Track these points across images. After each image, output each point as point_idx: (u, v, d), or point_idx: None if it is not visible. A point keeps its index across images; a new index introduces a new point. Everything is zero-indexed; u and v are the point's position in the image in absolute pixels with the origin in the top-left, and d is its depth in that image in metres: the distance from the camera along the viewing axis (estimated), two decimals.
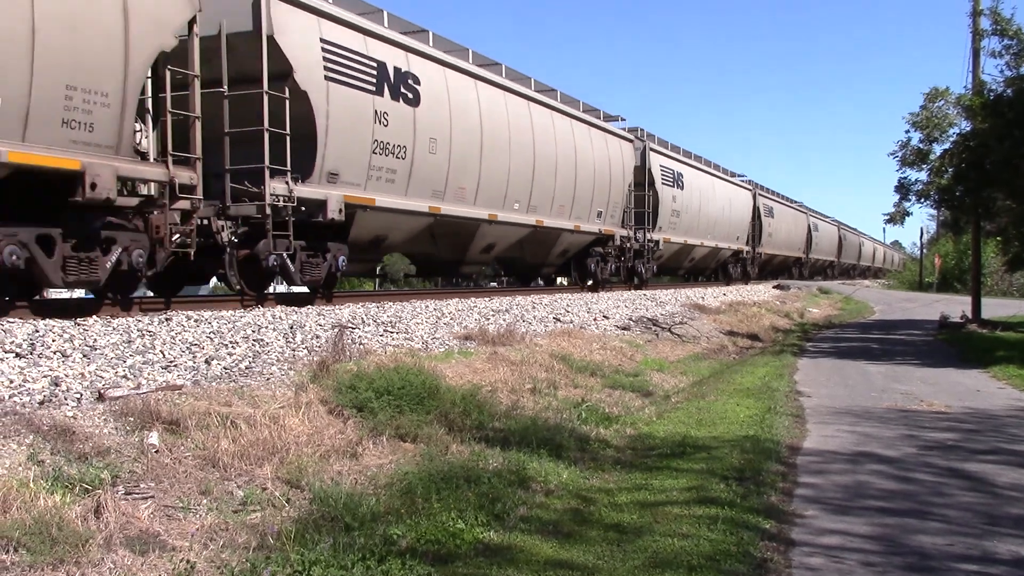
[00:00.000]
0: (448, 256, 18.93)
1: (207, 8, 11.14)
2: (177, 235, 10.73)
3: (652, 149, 27.39)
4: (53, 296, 13.89)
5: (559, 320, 15.33)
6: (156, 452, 5.70)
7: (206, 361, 8.01)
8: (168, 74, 10.58)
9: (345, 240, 14.24)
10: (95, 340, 8.05)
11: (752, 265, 40.01)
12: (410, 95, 15.18)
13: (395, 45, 15.04)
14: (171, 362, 7.77)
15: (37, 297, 10.73)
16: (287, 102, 12.32)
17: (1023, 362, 13.73)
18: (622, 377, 11.71)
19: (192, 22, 10.82)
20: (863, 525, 5.37)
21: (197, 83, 10.99)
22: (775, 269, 46.70)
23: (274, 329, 10.01)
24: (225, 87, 11.84)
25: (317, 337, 9.84)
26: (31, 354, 7.24)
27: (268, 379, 7.73)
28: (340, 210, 13.36)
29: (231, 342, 8.97)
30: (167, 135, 10.75)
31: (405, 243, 17.21)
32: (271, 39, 12.15)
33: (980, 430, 8.61)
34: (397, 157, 14.82)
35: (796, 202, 50.79)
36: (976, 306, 23.04)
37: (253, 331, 9.70)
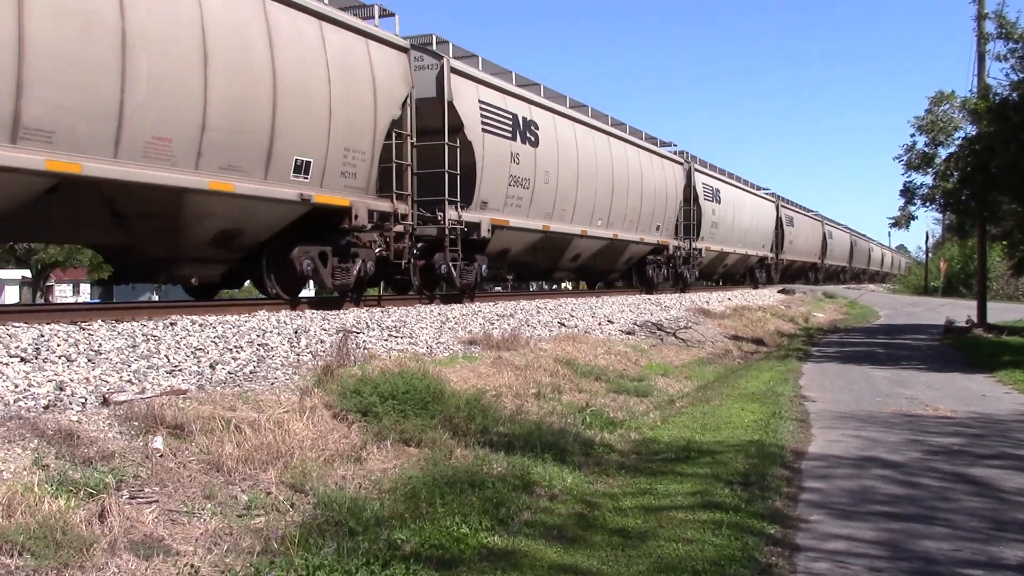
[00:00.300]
0: (544, 265, 23.25)
1: None
2: (391, 250, 14.84)
3: (696, 169, 31.79)
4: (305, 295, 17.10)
5: (564, 325, 15.33)
6: (160, 456, 5.71)
7: (211, 366, 8.02)
8: (393, 135, 14.85)
9: (484, 252, 18.04)
10: (100, 344, 8.07)
11: (775, 270, 44.23)
12: (532, 138, 19.35)
13: (522, 100, 19.32)
14: (176, 367, 7.78)
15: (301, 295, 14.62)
16: (458, 150, 16.31)
17: None
18: (626, 382, 11.69)
19: (408, 97, 15.15)
20: (868, 530, 5.35)
21: (410, 141, 15.33)
22: (794, 274, 50.23)
23: (279, 334, 10.02)
24: (413, 138, 15.54)
25: (321, 342, 9.85)
26: (36, 358, 7.25)
27: (272, 384, 7.73)
28: (489, 229, 17.43)
29: (236, 347, 8.98)
30: (392, 178, 14.90)
31: (520, 254, 20.81)
32: (450, 103, 16.23)
33: (986, 435, 8.59)
34: (523, 187, 18.98)
35: (812, 211, 54.70)
36: (982, 310, 23.00)
37: (258, 336, 9.71)
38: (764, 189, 43.59)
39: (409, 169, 15.27)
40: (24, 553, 4.22)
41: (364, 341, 10.33)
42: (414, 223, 15.53)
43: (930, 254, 62.35)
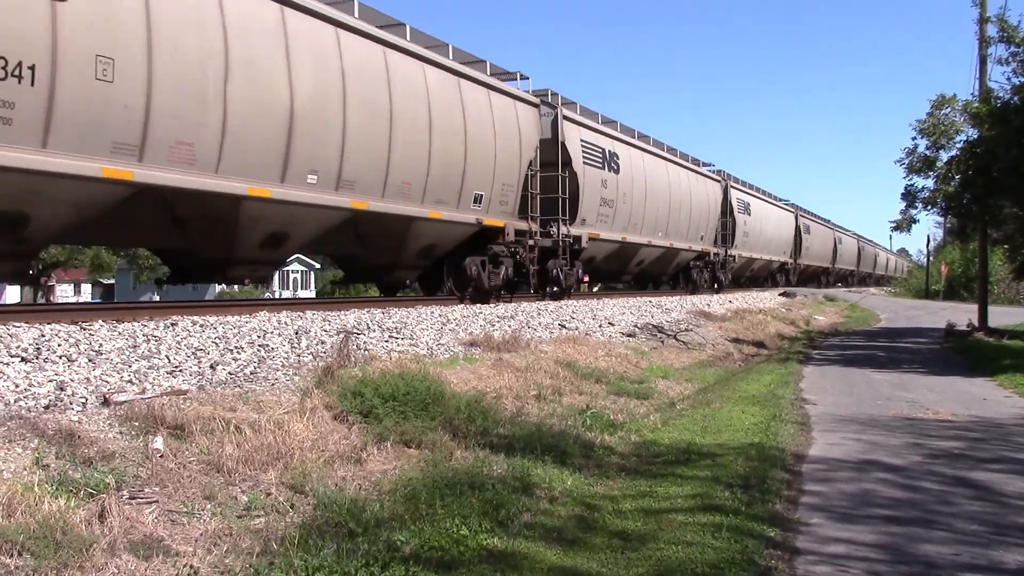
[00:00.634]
0: (616, 269, 27.66)
1: None
2: (524, 258, 19.37)
3: (731, 186, 36.58)
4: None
5: (564, 327, 15.33)
6: (161, 457, 5.71)
7: (211, 366, 8.02)
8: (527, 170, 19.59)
9: (580, 259, 22.41)
10: (100, 345, 8.07)
11: (793, 274, 48.79)
12: (615, 167, 24.00)
13: (607, 136, 24.16)
14: (176, 367, 7.78)
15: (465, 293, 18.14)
16: (567, 179, 20.83)
17: None
18: (627, 384, 11.69)
19: (538, 140, 20.01)
20: (869, 534, 5.35)
21: (538, 175, 20.13)
22: (808, 277, 54.22)
23: (279, 335, 10.02)
24: (537, 169, 20.13)
25: (322, 343, 9.85)
26: (37, 358, 7.25)
27: (273, 384, 7.74)
28: (587, 241, 21.96)
29: (236, 347, 8.98)
30: (525, 202, 19.57)
31: (601, 261, 25.16)
32: (562, 143, 20.96)
33: (986, 439, 8.58)
34: (609, 207, 23.66)
35: (825, 219, 59.12)
36: (983, 314, 22.97)
37: (258, 336, 9.71)
38: (784, 200, 48.43)
39: (537, 196, 20.06)
40: (24, 553, 4.22)
41: (365, 342, 10.33)
42: (537, 237, 19.99)
43: (931, 258, 62.34)
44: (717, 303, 26.97)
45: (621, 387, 11.40)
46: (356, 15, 14.30)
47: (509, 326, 13.81)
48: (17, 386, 6.43)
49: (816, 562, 4.84)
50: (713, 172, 34.77)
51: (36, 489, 4.79)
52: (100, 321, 9.71)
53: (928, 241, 63.55)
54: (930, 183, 23.22)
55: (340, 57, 13.45)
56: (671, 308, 22.47)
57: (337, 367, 8.26)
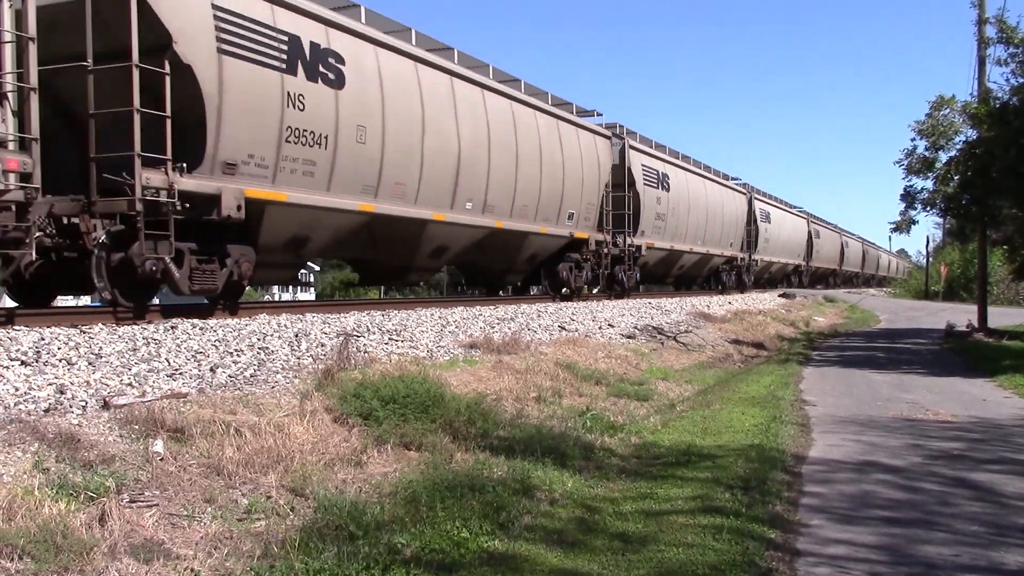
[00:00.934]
0: (662, 273, 31.86)
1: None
2: (599, 264, 23.64)
3: (755, 197, 40.38)
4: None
5: (564, 328, 15.33)
6: (161, 460, 5.71)
7: (211, 369, 8.02)
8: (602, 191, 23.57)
9: (637, 264, 26.28)
10: (100, 348, 8.07)
11: (806, 275, 52.83)
12: (666, 185, 28.19)
13: (661, 159, 28.37)
14: (176, 370, 7.78)
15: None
16: (632, 198, 25.24)
17: None
18: (627, 386, 11.69)
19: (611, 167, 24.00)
20: (869, 535, 5.35)
21: (610, 195, 24.07)
22: (818, 279, 58.32)
23: (279, 337, 10.02)
24: (610, 189, 24.02)
25: (322, 345, 9.85)
26: (37, 362, 7.25)
27: (273, 387, 7.73)
28: (646, 250, 26.22)
29: (236, 350, 8.97)
30: (602, 218, 23.58)
31: (652, 266, 28.94)
32: (628, 168, 25.07)
33: (986, 439, 8.58)
34: (662, 220, 27.98)
35: (832, 223, 63.18)
36: (982, 315, 22.98)
37: (258, 339, 9.71)
38: (798, 208, 51.79)
39: (609, 212, 23.97)
40: (24, 556, 4.22)
41: (365, 345, 10.33)
42: (610, 246, 23.79)
43: (931, 258, 62.40)
44: (717, 304, 26.98)
45: (621, 389, 11.40)
46: (491, 76, 18.61)
47: (509, 328, 13.81)
48: (17, 389, 6.43)
49: (817, 563, 4.84)
50: (740, 186, 39.09)
51: (36, 493, 4.79)
52: (100, 324, 9.70)
53: (927, 242, 63.89)
54: (929, 184, 23.24)
55: (485, 111, 17.74)
56: (671, 310, 22.48)
57: (337, 369, 8.26)
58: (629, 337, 16.32)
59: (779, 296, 38.49)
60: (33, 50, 9.66)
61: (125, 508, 4.92)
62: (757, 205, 40.32)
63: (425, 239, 16.39)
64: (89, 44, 10.29)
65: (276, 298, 46.97)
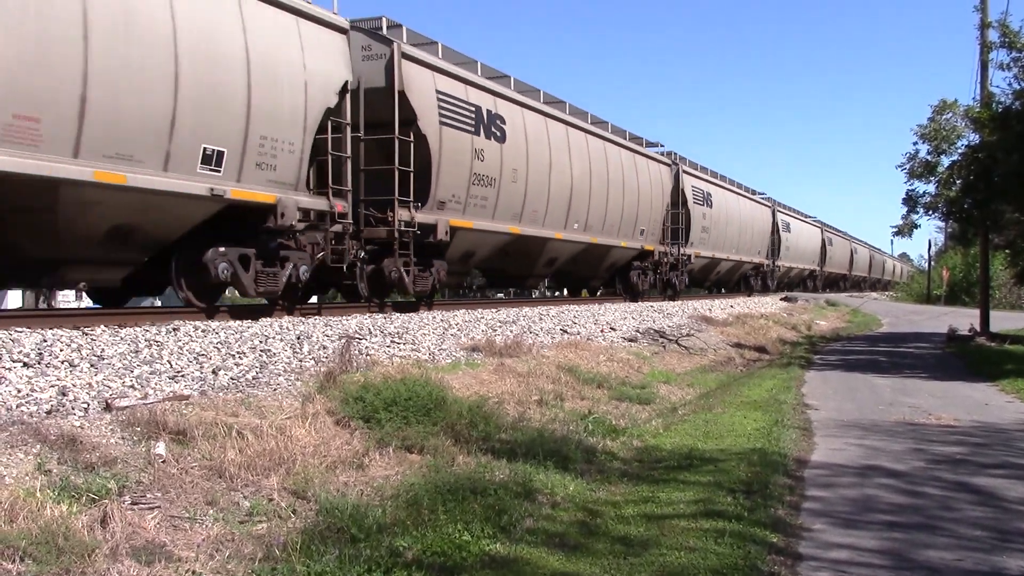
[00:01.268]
0: (701, 277, 35.73)
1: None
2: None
3: (778, 210, 45.14)
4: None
5: (566, 332, 15.32)
6: (163, 462, 5.71)
7: (213, 371, 8.02)
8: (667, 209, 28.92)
9: (687, 270, 30.49)
10: (102, 350, 8.07)
11: (820, 279, 57.54)
12: (710, 204, 33.21)
13: (706, 181, 33.35)
14: (178, 372, 7.78)
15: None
16: (686, 215, 29.86)
17: None
18: (629, 389, 11.68)
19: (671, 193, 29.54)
20: (871, 539, 5.34)
21: (669, 212, 28.45)
22: (831, 282, 63.04)
23: (281, 340, 10.02)
24: (669, 208, 28.79)
25: (324, 348, 9.85)
26: (39, 363, 7.26)
27: (275, 390, 7.73)
28: (694, 258, 30.75)
29: (238, 352, 8.98)
30: (663, 232, 28.02)
31: (697, 271, 33.36)
32: (682, 190, 29.75)
33: (989, 444, 8.57)
34: (706, 232, 32.75)
35: (842, 232, 68.21)
36: (984, 319, 22.96)
37: (260, 342, 9.71)
38: (812, 217, 56.92)
39: (669, 227, 28.70)
40: (26, 559, 4.22)
41: (367, 347, 10.33)
42: (669, 256, 27.81)
43: (933, 262, 62.39)
44: (719, 308, 26.96)
45: (623, 392, 11.39)
46: (589, 121, 23.45)
47: (511, 331, 13.81)
48: (19, 391, 6.43)
49: (819, 568, 4.83)
50: (765, 199, 44.11)
51: (38, 495, 4.79)
52: (102, 326, 9.71)
53: (929, 246, 64.14)
54: (931, 188, 23.24)
55: (588, 151, 22.43)
56: (673, 313, 22.46)
57: (339, 372, 8.25)
58: (631, 340, 16.31)
59: (781, 300, 38.50)
60: (348, 133, 14.09)
61: (127, 510, 4.91)
62: (779, 216, 45.32)
63: (544, 253, 21.39)
64: (362, 119, 14.50)
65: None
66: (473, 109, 16.97)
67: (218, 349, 8.96)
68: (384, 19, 15.55)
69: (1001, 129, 18.22)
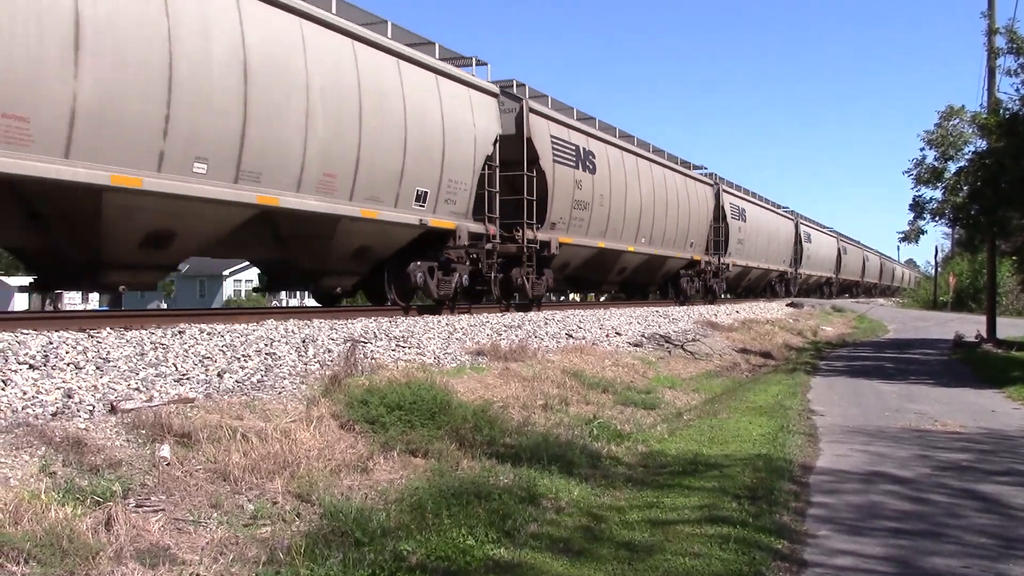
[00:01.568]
0: (735, 283, 39.97)
1: None
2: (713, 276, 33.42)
3: (800, 222, 49.11)
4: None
5: (571, 336, 15.32)
6: (167, 465, 5.72)
7: (218, 374, 8.03)
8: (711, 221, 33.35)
9: (724, 278, 34.74)
10: (108, 352, 8.09)
11: (835, 286, 61.43)
12: (745, 218, 36.97)
13: (741, 198, 37.50)
14: (183, 375, 7.80)
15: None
16: (724, 228, 34.13)
17: None
18: (634, 394, 11.67)
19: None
20: (876, 546, 5.32)
21: (712, 226, 32.88)
22: (845, 288, 67.14)
23: (286, 343, 10.03)
24: (711, 222, 32.49)
25: (329, 351, 9.86)
26: (45, 366, 7.27)
27: (280, 393, 7.74)
28: (732, 267, 34.94)
29: (243, 355, 8.99)
30: (709, 243, 32.40)
31: (733, 278, 37.70)
32: (722, 207, 33.79)
33: (995, 451, 8.53)
34: (741, 244, 36.86)
35: (855, 240, 72.68)
36: (991, 325, 22.88)
37: (265, 345, 9.72)
38: (828, 228, 61.83)
39: (712, 239, 32.70)
40: (30, 560, 4.23)
41: (372, 351, 10.34)
42: (712, 265, 31.80)
43: (939, 268, 62.23)
44: (724, 313, 26.93)
45: (628, 397, 11.38)
46: (651, 151, 27.55)
47: (516, 335, 13.80)
48: (25, 393, 6.44)
49: (823, 574, 4.82)
50: (788, 212, 47.77)
51: (43, 496, 4.80)
52: (108, 328, 9.73)
53: (936, 252, 63.92)
54: (938, 194, 23.16)
55: (651, 177, 26.60)
56: (678, 318, 22.43)
57: (344, 376, 8.26)
58: (636, 345, 16.30)
59: (787, 305, 38.44)
60: (497, 173, 17.91)
61: (131, 513, 4.92)
62: (801, 228, 49.24)
63: (618, 263, 25.37)
64: (496, 158, 17.89)
65: (283, 303, 47.07)
66: (574, 148, 21.24)
67: (223, 352, 8.98)
68: (514, 81, 19.81)
69: (1008, 135, 18.18)
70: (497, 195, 17.95)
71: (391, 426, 7.26)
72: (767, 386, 13.66)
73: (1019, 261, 23.83)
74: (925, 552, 5.20)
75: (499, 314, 17.50)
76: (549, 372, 11.24)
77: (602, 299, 30.44)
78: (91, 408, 6.37)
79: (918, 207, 23.50)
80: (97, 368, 7.46)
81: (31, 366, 7.19)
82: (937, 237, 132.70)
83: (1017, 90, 18.98)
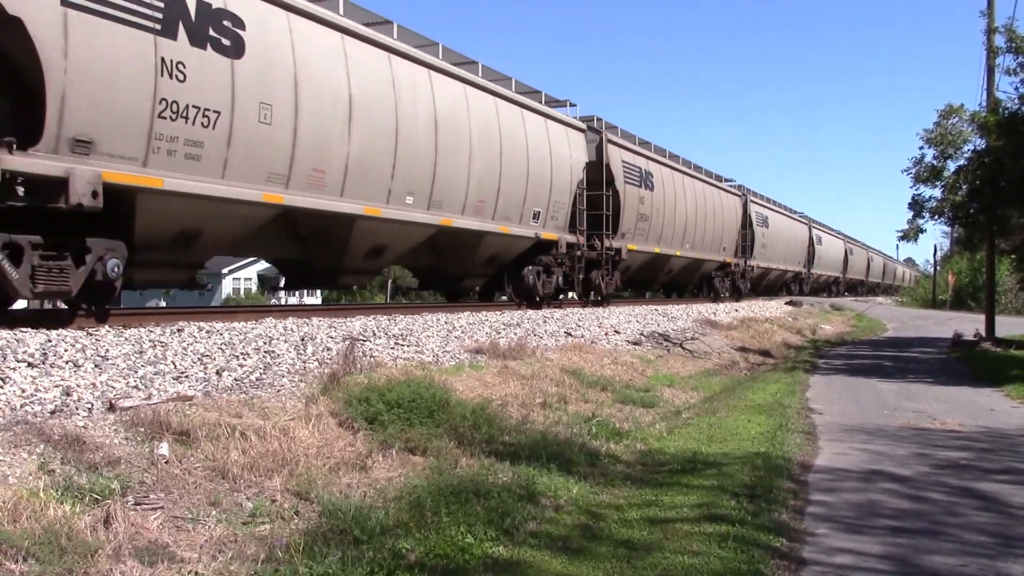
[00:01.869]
0: (758, 282, 42.07)
1: None
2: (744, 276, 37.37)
3: (813, 227, 53.03)
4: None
5: (570, 335, 15.31)
6: (166, 463, 5.71)
7: (217, 372, 8.03)
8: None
9: (748, 279, 38.43)
10: (107, 350, 8.08)
11: (843, 284, 65.24)
12: (767, 225, 41.40)
13: (763, 207, 41.49)
14: (182, 373, 7.79)
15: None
16: (752, 235, 37.92)
17: None
18: (633, 392, 11.67)
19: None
20: (875, 544, 5.32)
21: (739, 232, 36.82)
22: (852, 286, 70.75)
23: (285, 341, 10.03)
24: (740, 229, 36.99)
25: (328, 349, 9.85)
26: (43, 364, 7.27)
27: (279, 391, 7.74)
28: (756, 268, 39.05)
29: (242, 353, 8.99)
30: (737, 248, 36.59)
31: (756, 277, 40.71)
32: (748, 216, 38.00)
33: (994, 449, 8.54)
34: (764, 248, 40.49)
35: (861, 241, 76.58)
36: (990, 324, 22.89)
37: (264, 343, 9.72)
38: (836, 230, 64.99)
39: (740, 243, 36.80)
40: (29, 558, 4.22)
41: (371, 349, 10.34)
42: (739, 267, 36.35)
43: (938, 267, 62.25)
44: (723, 312, 26.93)
45: (627, 395, 11.38)
46: (693, 169, 31.55)
47: (515, 333, 13.79)
48: (23, 391, 6.44)
49: (822, 573, 4.82)
50: (802, 217, 51.80)
51: (41, 494, 4.79)
52: (107, 327, 9.72)
53: (935, 251, 63.94)
54: (937, 193, 23.19)
55: (694, 190, 30.63)
56: (677, 316, 22.44)
57: (343, 374, 8.26)
58: (635, 344, 16.30)
59: (786, 304, 38.43)
60: (585, 193, 22.13)
61: (130, 511, 4.92)
62: (813, 232, 52.93)
63: (667, 265, 29.28)
64: (584, 181, 22.13)
65: (283, 302, 47.09)
66: (638, 170, 25.24)
67: (222, 350, 8.97)
68: (595, 117, 23.72)
69: (1007, 134, 18.19)
70: (585, 211, 22.11)
71: (390, 424, 7.26)
72: (766, 384, 13.67)
73: (1018, 260, 23.84)
74: (924, 550, 5.20)
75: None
76: (548, 370, 11.24)
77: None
78: (90, 406, 6.37)
79: (917, 206, 23.53)
80: (96, 366, 7.46)
81: (30, 364, 7.19)
82: (936, 236, 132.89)
83: (1016, 89, 19.04)
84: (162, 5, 10.05)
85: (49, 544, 4.32)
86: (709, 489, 6.65)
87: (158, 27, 10.00)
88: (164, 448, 5.84)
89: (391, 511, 5.59)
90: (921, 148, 22.80)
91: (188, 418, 6.35)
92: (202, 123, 10.62)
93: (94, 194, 9.26)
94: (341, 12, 13.64)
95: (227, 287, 64.14)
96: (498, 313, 17.00)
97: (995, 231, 21.45)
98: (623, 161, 24.16)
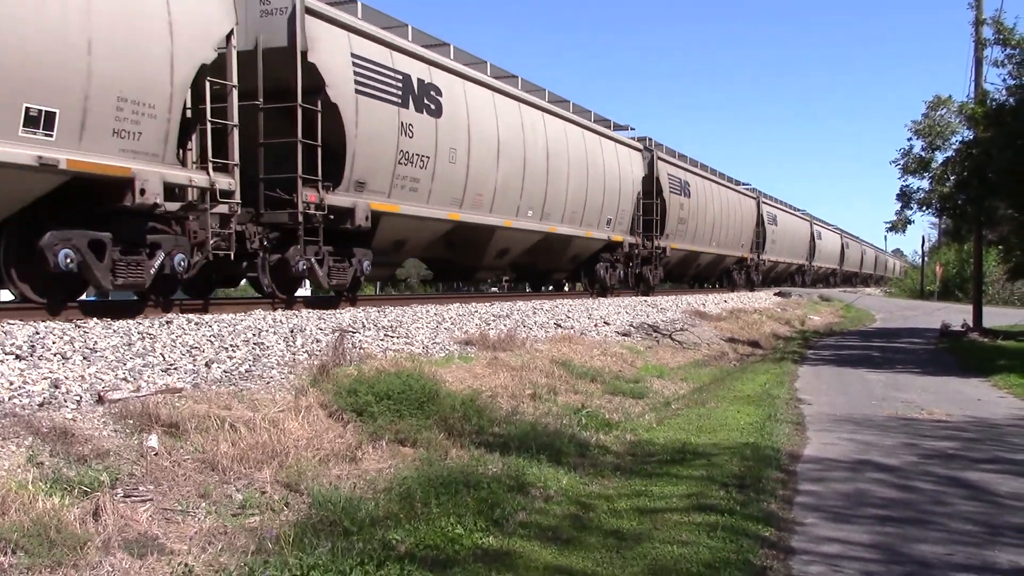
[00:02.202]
0: (767, 274, 45.90)
1: None
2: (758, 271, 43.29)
3: (814, 223, 57.32)
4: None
5: (560, 326, 15.33)
6: (155, 455, 5.70)
7: (206, 364, 8.01)
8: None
9: (759, 271, 43.85)
10: (95, 342, 8.05)
11: (839, 276, 69.03)
12: (776, 223, 46.46)
13: (774, 207, 46.82)
14: (171, 365, 7.77)
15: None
16: (763, 231, 43.55)
17: None
18: (622, 383, 11.69)
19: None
20: (863, 533, 5.35)
21: (753, 230, 42.70)
22: (847, 278, 74.33)
23: (275, 333, 10.00)
24: (754, 226, 41.95)
25: (317, 341, 9.83)
26: (31, 356, 7.23)
27: (268, 383, 7.72)
28: (767, 262, 44.96)
29: (231, 345, 8.96)
30: (752, 243, 42.32)
31: (765, 271, 44.79)
32: (760, 216, 42.88)
33: (981, 439, 8.59)
34: (774, 243, 46.10)
35: (855, 235, 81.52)
36: (977, 315, 23.00)
37: (254, 335, 9.69)
38: (833, 225, 69.74)
39: (753, 240, 40.81)
40: (18, 551, 4.21)
41: (360, 341, 10.32)
42: (752, 260, 41.01)
43: (926, 258, 62.52)
44: (712, 303, 27.00)
45: (616, 386, 11.40)
46: (716, 174, 35.33)
47: (504, 325, 13.80)
48: (11, 383, 6.41)
49: (811, 562, 4.85)
50: (804, 215, 55.63)
51: (30, 487, 4.78)
52: (95, 319, 9.68)
53: (923, 242, 64.36)
54: (925, 184, 23.24)
55: (722, 196, 35.44)
56: (666, 308, 22.49)
57: (332, 365, 8.25)
58: (624, 335, 16.33)
59: (775, 295, 38.58)
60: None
61: (119, 503, 4.91)
62: (815, 228, 57.26)
63: (698, 260, 33.79)
64: (640, 192, 27.15)
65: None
66: (679, 180, 30.45)
67: (211, 342, 8.95)
68: (648, 137, 28.58)
69: (995, 125, 18.25)
70: (641, 217, 26.70)
71: (380, 415, 7.25)
72: (755, 375, 13.72)
73: (1005, 251, 23.90)
74: (911, 539, 5.24)
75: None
76: (538, 362, 11.25)
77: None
78: (78, 398, 6.35)
79: (905, 197, 23.58)
80: (84, 358, 7.43)
81: (17, 356, 7.15)
82: (924, 227, 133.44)
83: (1004, 80, 19.07)
84: (401, 84, 14.78)
85: (38, 536, 4.31)
86: (698, 479, 6.67)
87: (400, 100, 14.75)
88: (153, 440, 5.83)
89: (381, 502, 5.59)
90: (909, 139, 22.86)
91: (177, 410, 6.34)
92: (419, 165, 15.42)
93: (366, 218, 13.98)
94: (489, 73, 18.43)
95: None
96: (488, 304, 17.00)
97: (982, 222, 21.53)
98: (668, 174, 29.25)
